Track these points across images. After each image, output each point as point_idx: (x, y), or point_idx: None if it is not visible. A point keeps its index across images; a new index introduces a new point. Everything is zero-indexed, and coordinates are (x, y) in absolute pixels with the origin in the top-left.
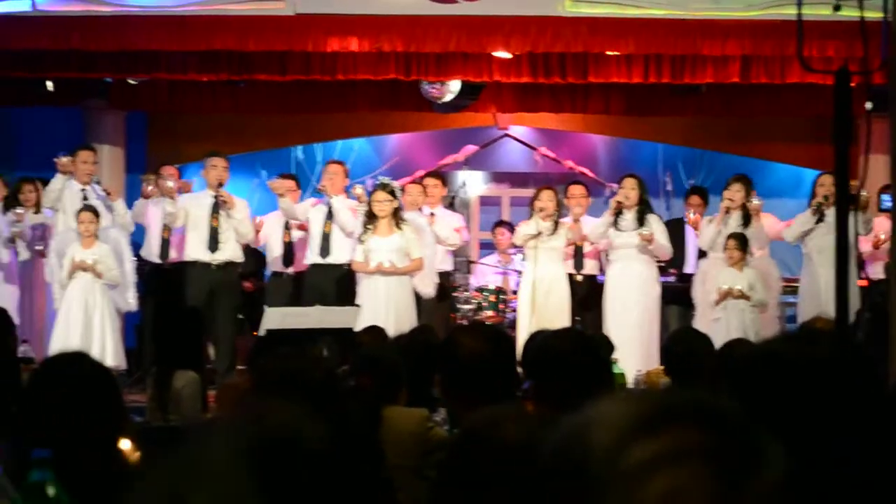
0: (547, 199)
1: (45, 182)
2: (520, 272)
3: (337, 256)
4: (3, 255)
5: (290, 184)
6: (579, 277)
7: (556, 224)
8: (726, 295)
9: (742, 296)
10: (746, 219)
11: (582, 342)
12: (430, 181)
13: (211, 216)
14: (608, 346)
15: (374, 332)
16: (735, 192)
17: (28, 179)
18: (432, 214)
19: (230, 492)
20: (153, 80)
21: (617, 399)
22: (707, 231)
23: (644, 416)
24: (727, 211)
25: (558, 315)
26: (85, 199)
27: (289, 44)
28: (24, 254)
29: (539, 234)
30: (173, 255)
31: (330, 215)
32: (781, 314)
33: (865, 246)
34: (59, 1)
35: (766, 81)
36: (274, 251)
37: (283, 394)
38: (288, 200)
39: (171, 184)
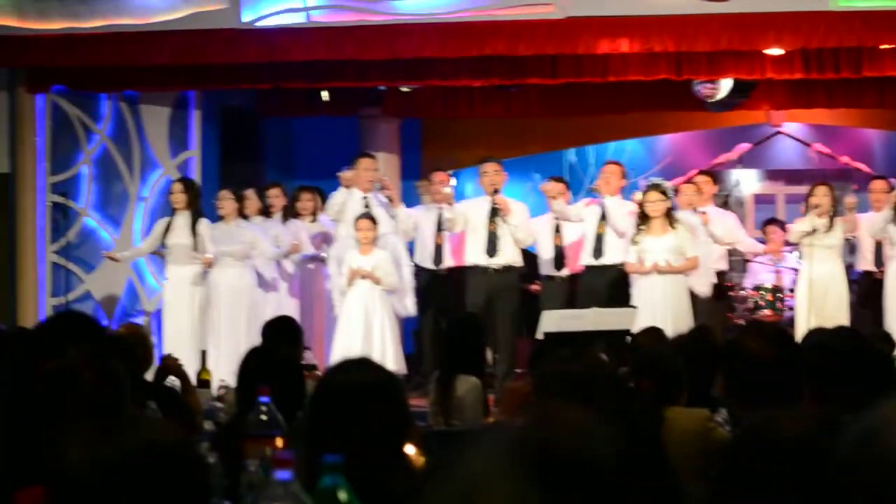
0: (822, 194)
1: (322, 191)
2: (795, 269)
3: (611, 257)
4: (288, 266)
5: (561, 187)
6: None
7: (832, 220)
8: None
9: None
10: None
11: (860, 341)
12: (700, 179)
13: (489, 221)
14: (889, 342)
15: (653, 332)
16: None
17: (306, 188)
18: (704, 213)
19: (516, 498)
20: (426, 87)
21: None
22: None
23: None
24: None
25: (837, 314)
26: (366, 206)
27: (559, 47)
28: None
29: (814, 231)
30: (447, 260)
31: (604, 216)
32: None
33: None
34: (333, 11)
35: None
36: (545, 254)
37: (565, 397)
38: (561, 202)
39: (448, 190)
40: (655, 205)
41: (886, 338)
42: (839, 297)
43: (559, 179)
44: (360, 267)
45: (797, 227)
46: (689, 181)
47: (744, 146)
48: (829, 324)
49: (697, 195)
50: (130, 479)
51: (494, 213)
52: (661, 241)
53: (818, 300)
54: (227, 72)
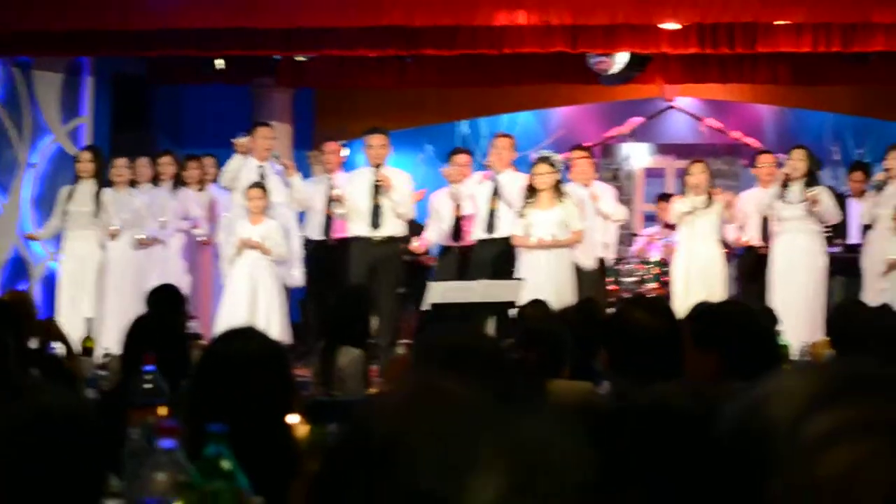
0: (698, 172)
1: (217, 159)
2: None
3: (502, 231)
4: (174, 238)
5: (463, 166)
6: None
7: (710, 197)
8: (894, 266)
9: None
10: None
11: (746, 314)
12: (576, 153)
13: (372, 194)
14: (772, 318)
15: (538, 305)
16: (892, 161)
17: (193, 157)
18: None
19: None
20: (320, 57)
21: (796, 371)
22: (866, 204)
23: (825, 389)
24: (878, 183)
25: (714, 291)
26: (262, 175)
27: (456, 18)
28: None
29: (693, 210)
30: (336, 231)
31: (496, 191)
32: None
33: None
34: None
35: None
36: (444, 226)
37: (446, 368)
38: (456, 188)
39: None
40: (544, 177)
41: (769, 313)
42: (716, 275)
43: (464, 151)
44: (249, 237)
45: (677, 208)
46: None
47: (636, 120)
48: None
49: (592, 169)
50: (26, 446)
51: (378, 188)
52: (548, 214)
53: (695, 277)
54: (120, 39)
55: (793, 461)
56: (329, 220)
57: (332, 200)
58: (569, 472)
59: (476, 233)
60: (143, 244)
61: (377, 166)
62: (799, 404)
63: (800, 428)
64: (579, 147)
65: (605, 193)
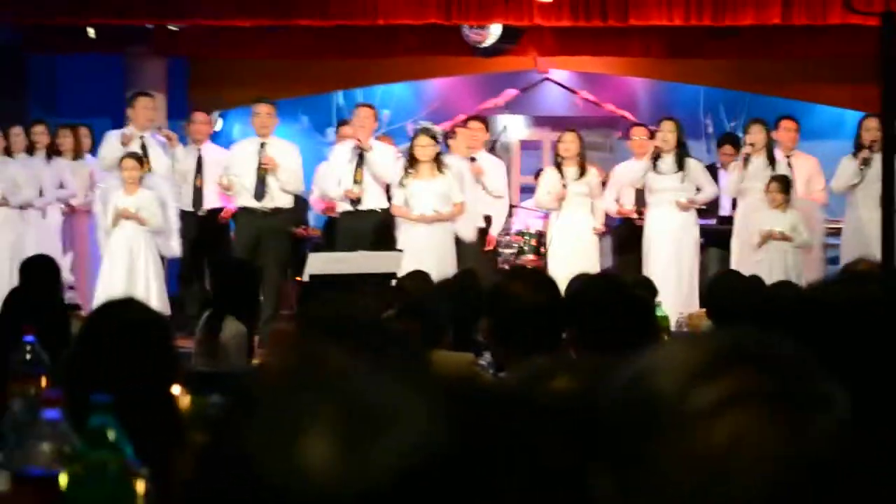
0: (570, 141)
1: (91, 128)
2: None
3: (368, 203)
4: (51, 208)
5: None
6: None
7: (583, 169)
8: (768, 237)
9: (784, 238)
10: (772, 161)
11: (621, 286)
12: (473, 125)
13: (258, 166)
14: (651, 289)
15: (418, 276)
16: (755, 135)
17: (65, 126)
18: (473, 159)
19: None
20: (194, 25)
21: (678, 343)
22: (731, 178)
23: (708, 360)
24: (745, 156)
25: (585, 261)
26: (143, 146)
27: None
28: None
29: (564, 185)
30: (209, 202)
31: (360, 162)
32: (824, 256)
33: None
34: None
35: (808, 23)
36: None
37: (330, 338)
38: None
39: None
40: (425, 149)
41: (647, 284)
42: (587, 244)
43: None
44: (125, 207)
45: (547, 180)
46: (461, 125)
47: (511, 92)
48: (579, 270)
49: (473, 140)
50: None
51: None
52: (428, 186)
53: (568, 247)
54: None
55: (677, 433)
56: (199, 191)
57: (199, 171)
58: (410, 432)
59: (341, 205)
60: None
61: (263, 136)
62: (682, 376)
63: (684, 399)
64: (472, 118)
65: (496, 170)
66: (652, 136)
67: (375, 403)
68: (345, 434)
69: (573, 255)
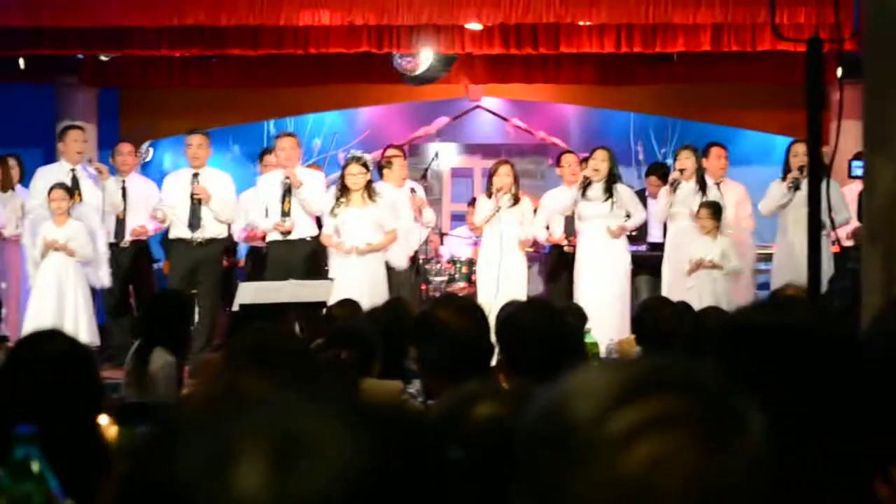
0: (504, 174)
1: (20, 159)
2: None
3: (298, 232)
4: None
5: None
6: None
7: (516, 198)
8: (698, 266)
9: (714, 266)
10: (702, 186)
11: (552, 313)
12: (392, 153)
13: (191, 195)
14: (581, 316)
15: (348, 304)
16: (685, 161)
17: None
18: (413, 190)
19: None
20: (125, 56)
21: (597, 368)
22: (660, 204)
23: (626, 385)
24: (674, 182)
25: (516, 288)
26: (74, 178)
27: (260, 18)
28: None
29: (498, 209)
30: (129, 234)
31: (288, 193)
32: (754, 282)
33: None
34: None
35: (738, 49)
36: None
37: (258, 368)
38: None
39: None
40: (356, 177)
41: (577, 311)
42: (518, 273)
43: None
44: (53, 238)
45: (481, 211)
46: (384, 156)
47: (442, 120)
48: (508, 297)
49: (405, 170)
50: None
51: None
52: (360, 214)
53: (502, 275)
54: None
55: (594, 458)
56: (121, 223)
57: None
58: (334, 459)
59: (270, 234)
60: None
61: (196, 167)
62: (600, 402)
63: (601, 424)
64: (393, 146)
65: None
66: (583, 162)
67: (299, 431)
68: (272, 461)
69: (507, 284)
